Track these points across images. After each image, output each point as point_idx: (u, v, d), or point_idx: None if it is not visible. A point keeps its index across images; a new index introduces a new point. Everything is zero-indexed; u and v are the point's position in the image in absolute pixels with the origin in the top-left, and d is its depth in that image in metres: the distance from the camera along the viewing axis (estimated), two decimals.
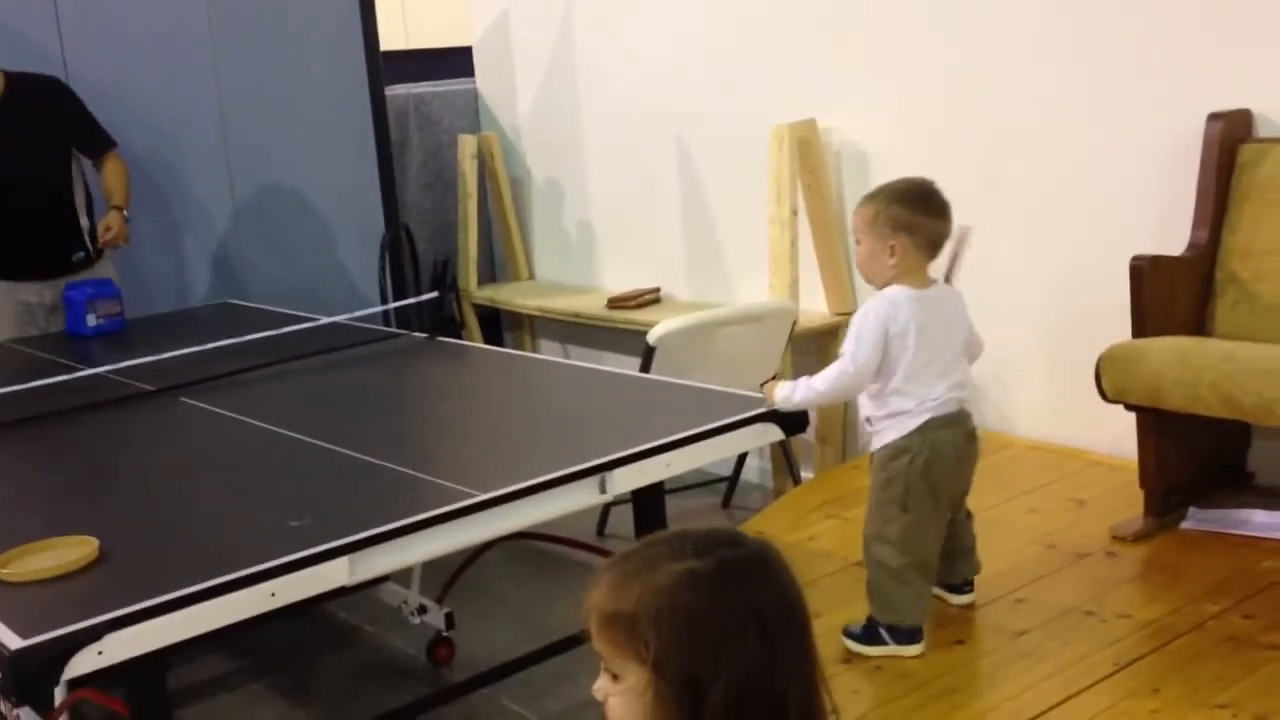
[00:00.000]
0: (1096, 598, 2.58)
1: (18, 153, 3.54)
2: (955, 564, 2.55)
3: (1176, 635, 2.39)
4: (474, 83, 5.27)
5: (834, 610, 2.52)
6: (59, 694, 2.09)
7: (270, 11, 4.34)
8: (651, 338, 3.41)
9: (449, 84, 5.32)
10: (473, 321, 5.00)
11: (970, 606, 2.56)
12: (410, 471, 2.15)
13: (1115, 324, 2.94)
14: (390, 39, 5.06)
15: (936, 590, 2.53)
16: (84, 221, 3.73)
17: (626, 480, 2.14)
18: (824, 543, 3.01)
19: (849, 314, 2.40)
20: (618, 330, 4.40)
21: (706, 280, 4.43)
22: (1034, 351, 3.51)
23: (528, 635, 3.10)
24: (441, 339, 3.23)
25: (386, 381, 2.96)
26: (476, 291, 4.99)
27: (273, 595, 1.73)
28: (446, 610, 3.06)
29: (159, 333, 3.52)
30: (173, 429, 2.61)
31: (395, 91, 5.02)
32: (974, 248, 2.53)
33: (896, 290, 2.36)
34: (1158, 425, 2.85)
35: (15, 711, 2.31)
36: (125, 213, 3.66)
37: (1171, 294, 2.94)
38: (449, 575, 3.08)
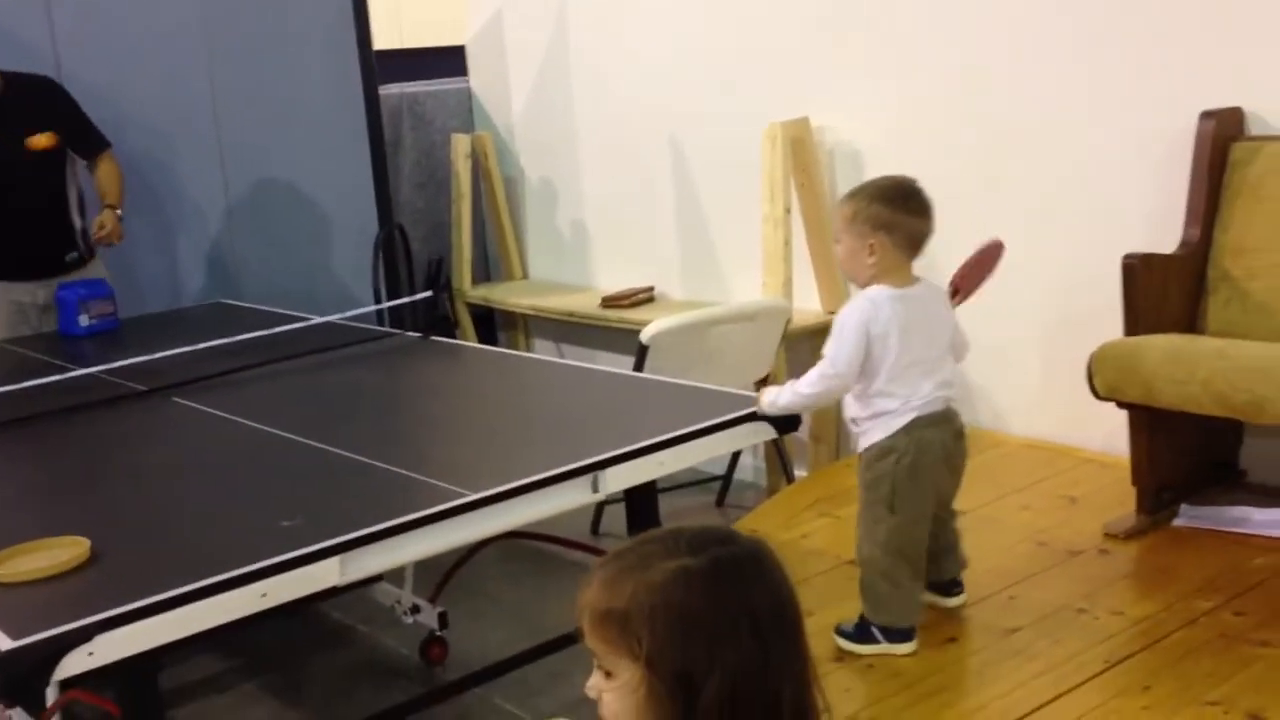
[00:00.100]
0: (1088, 595, 2.58)
1: (12, 152, 3.54)
2: (940, 562, 2.51)
3: (1168, 632, 2.40)
4: (468, 82, 5.26)
5: (826, 608, 2.52)
6: (50, 694, 2.09)
7: (264, 11, 4.34)
8: (645, 336, 3.41)
9: (443, 83, 5.32)
10: (466, 321, 5.00)
11: (962, 607, 2.55)
12: (403, 471, 2.15)
13: (1108, 322, 2.94)
14: (384, 38, 5.05)
15: (926, 594, 2.50)
16: (77, 221, 3.73)
17: (619, 479, 2.15)
18: (816, 541, 3.01)
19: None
20: (611, 329, 4.40)
21: (700, 279, 4.43)
22: (1027, 349, 3.51)
23: (521, 634, 3.10)
24: (435, 338, 3.23)
25: (380, 381, 2.96)
26: (470, 291, 4.99)
27: (264, 596, 1.73)
28: (440, 610, 3.06)
29: (152, 333, 3.52)
30: (165, 429, 2.61)
31: (389, 91, 5.01)
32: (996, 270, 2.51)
33: (878, 290, 2.34)
34: (1150, 423, 2.85)
35: (8, 712, 2.31)
36: (119, 211, 3.66)
37: (1164, 292, 2.94)
38: (442, 574, 3.08)
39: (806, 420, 3.68)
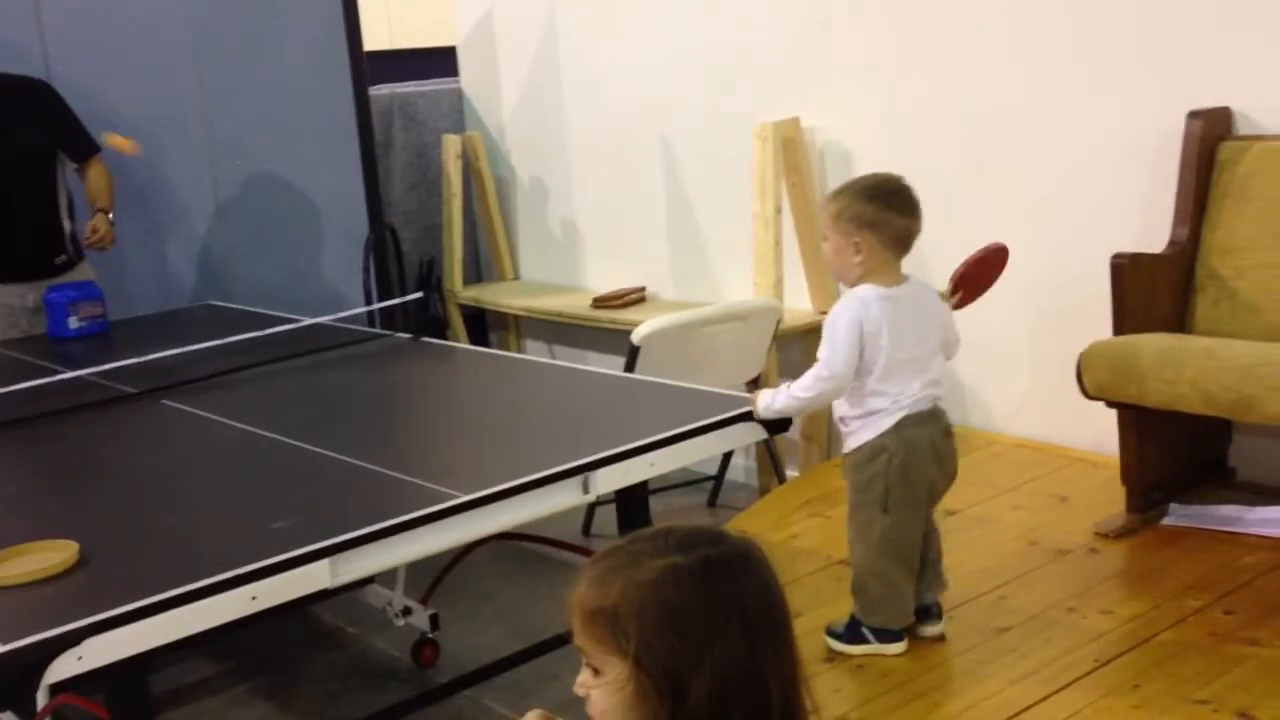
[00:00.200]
0: (1078, 595, 2.59)
1: (2, 154, 3.53)
2: (919, 580, 2.44)
3: (1157, 631, 2.41)
4: (458, 82, 5.26)
5: (817, 609, 2.53)
6: (41, 698, 2.08)
7: (254, 12, 4.32)
8: (636, 337, 3.41)
9: (433, 84, 5.31)
10: (458, 322, 4.99)
11: (941, 639, 2.44)
12: (394, 473, 2.15)
13: (1097, 321, 2.95)
14: (374, 39, 5.05)
15: None
16: (67, 224, 3.72)
17: (610, 480, 2.15)
18: (807, 541, 3.02)
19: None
20: (603, 330, 4.40)
21: (691, 279, 4.44)
22: (1017, 349, 3.52)
23: (513, 635, 3.10)
24: (426, 339, 3.22)
25: (371, 383, 2.96)
26: (461, 291, 4.99)
27: (254, 599, 1.73)
28: (431, 612, 3.06)
29: (142, 335, 3.51)
30: (155, 431, 2.60)
31: (379, 91, 5.01)
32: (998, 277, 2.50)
33: (866, 289, 2.33)
34: (1139, 422, 2.86)
35: None
36: (110, 216, 3.66)
37: (1152, 291, 2.95)
38: (433, 576, 3.08)
39: (797, 420, 3.69)
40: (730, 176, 4.09)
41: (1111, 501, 2.97)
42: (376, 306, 3.90)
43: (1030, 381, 3.52)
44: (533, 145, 4.97)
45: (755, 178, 3.86)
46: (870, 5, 3.72)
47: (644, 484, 2.29)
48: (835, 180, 3.87)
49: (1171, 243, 3.03)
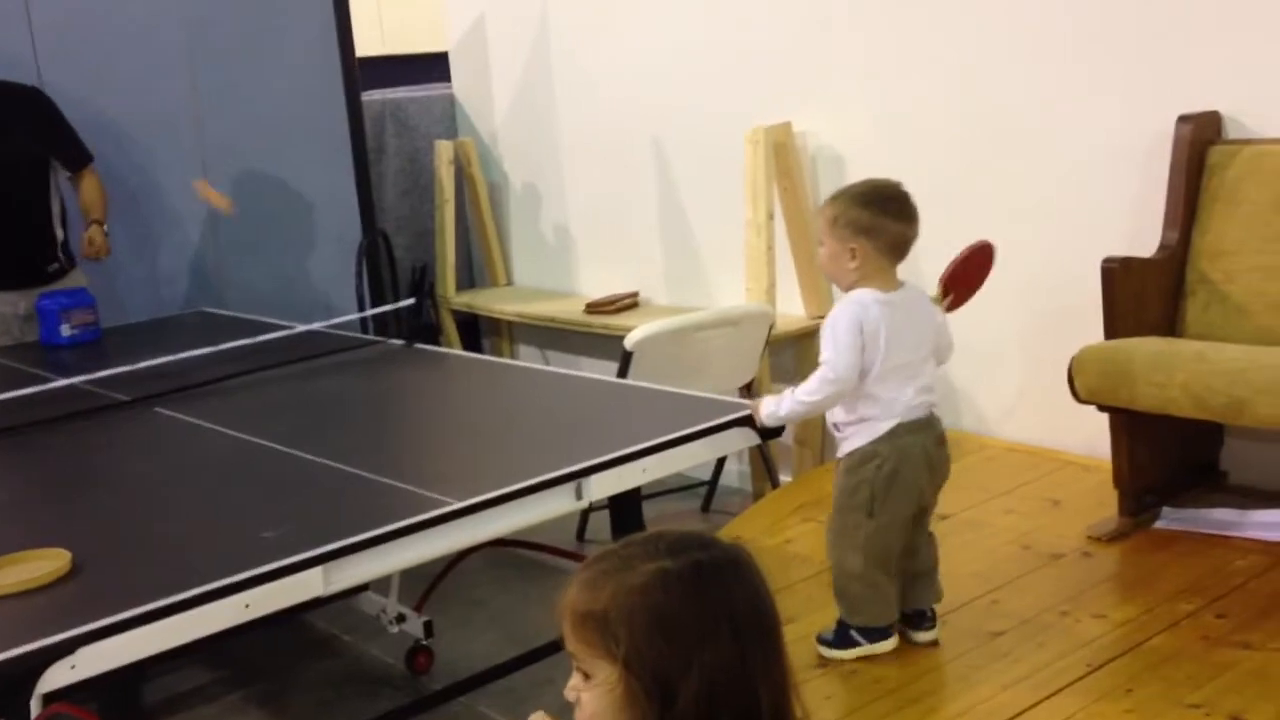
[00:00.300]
0: (1071, 599, 2.59)
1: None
2: (913, 588, 2.44)
3: (1150, 635, 2.41)
4: (451, 88, 5.26)
5: (810, 615, 2.52)
6: (34, 707, 2.08)
7: (246, 19, 4.33)
8: (629, 343, 3.41)
9: (426, 89, 5.31)
10: (451, 328, 4.99)
11: (934, 645, 2.44)
12: (386, 480, 2.15)
13: (1088, 325, 2.96)
14: (366, 45, 5.05)
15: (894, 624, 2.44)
16: (59, 233, 3.72)
17: (603, 486, 2.15)
18: (800, 546, 3.02)
19: (825, 318, 2.39)
20: (596, 335, 4.41)
21: (684, 284, 4.44)
22: (1008, 352, 3.53)
23: (507, 642, 3.10)
24: (419, 346, 3.22)
25: (364, 389, 2.96)
26: (454, 297, 4.99)
27: (247, 607, 1.73)
28: (425, 619, 3.06)
29: (134, 342, 3.51)
30: (148, 439, 2.60)
31: (371, 97, 5.01)
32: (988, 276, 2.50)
33: (863, 293, 2.32)
34: (1130, 426, 2.87)
35: None
36: (105, 228, 3.65)
37: (1143, 295, 2.96)
38: (427, 583, 3.08)
39: (790, 425, 3.69)
40: (722, 181, 4.10)
41: (1104, 505, 2.97)
42: (369, 313, 3.91)
43: (1022, 385, 3.53)
44: (525, 151, 4.97)
45: (747, 182, 3.87)
46: (863, 11, 3.73)
47: (637, 489, 2.30)
48: (827, 185, 3.88)
49: (1162, 246, 3.04)
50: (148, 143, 4.14)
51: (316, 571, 1.80)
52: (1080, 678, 2.28)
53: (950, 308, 2.48)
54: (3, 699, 1.55)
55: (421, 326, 3.27)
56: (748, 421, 2.35)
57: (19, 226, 3.63)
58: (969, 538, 2.93)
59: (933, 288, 2.47)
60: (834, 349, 2.30)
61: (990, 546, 2.89)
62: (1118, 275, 2.88)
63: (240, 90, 4.31)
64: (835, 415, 2.39)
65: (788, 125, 3.90)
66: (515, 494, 2.03)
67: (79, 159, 3.72)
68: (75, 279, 3.74)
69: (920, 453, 2.35)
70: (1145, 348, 2.80)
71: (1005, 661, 2.36)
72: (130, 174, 4.07)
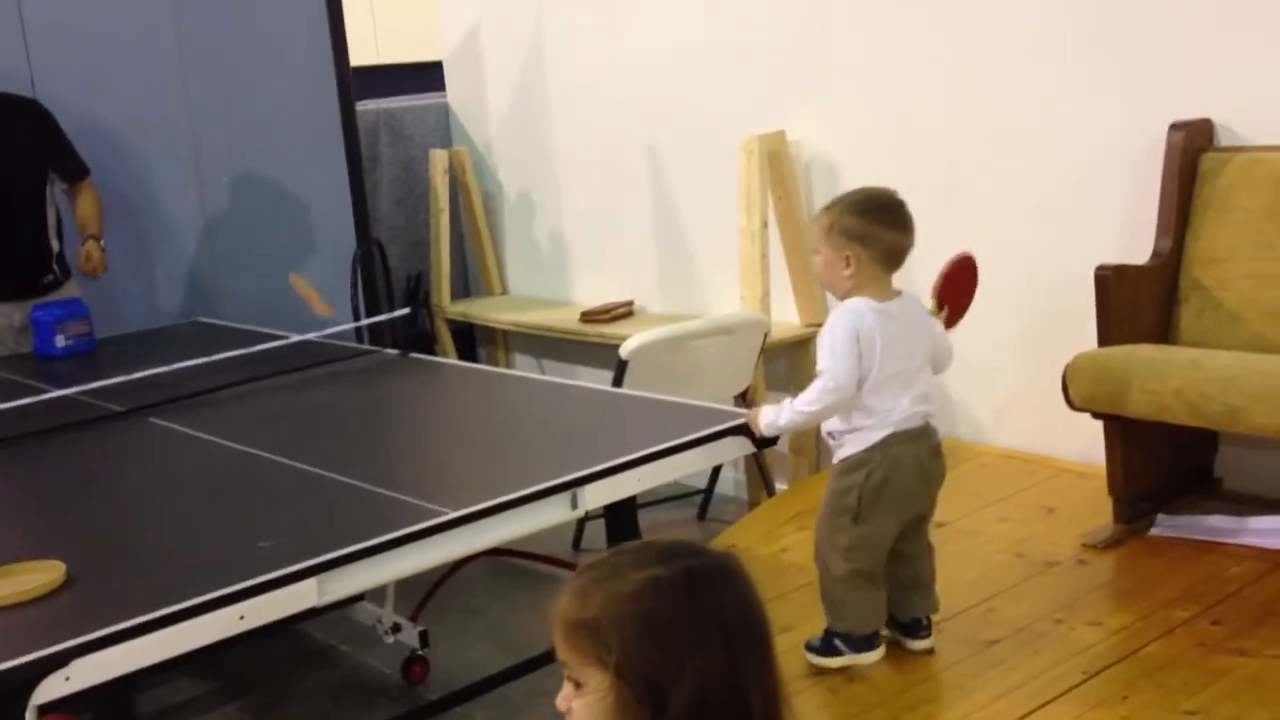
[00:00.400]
0: (1066, 606, 2.59)
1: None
2: (910, 597, 2.44)
3: (1145, 643, 2.41)
4: (445, 97, 5.27)
5: (805, 624, 2.51)
6: (29, 718, 2.07)
7: (240, 27, 4.33)
8: (624, 351, 3.41)
9: (420, 99, 5.32)
10: (446, 337, 5.00)
11: (929, 653, 2.44)
12: (381, 490, 2.15)
13: (1082, 333, 2.96)
14: (361, 54, 5.05)
15: (887, 632, 2.45)
16: (55, 244, 3.72)
17: (598, 496, 2.15)
18: (795, 555, 3.01)
19: (820, 325, 2.39)
20: (591, 344, 4.41)
21: (679, 293, 4.45)
22: (1003, 360, 3.53)
23: (503, 652, 3.09)
24: (414, 355, 3.22)
25: (359, 399, 2.96)
26: (449, 306, 4.99)
27: (241, 618, 1.73)
28: (421, 629, 3.05)
29: (129, 352, 3.50)
30: (142, 450, 2.60)
31: (366, 107, 5.02)
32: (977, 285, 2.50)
33: (858, 301, 2.32)
34: (1125, 433, 2.87)
35: None
36: (102, 243, 3.65)
37: (1136, 302, 2.97)
38: (423, 593, 3.07)
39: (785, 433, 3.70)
40: (717, 190, 4.10)
41: (1099, 512, 2.97)
42: (364, 323, 3.90)
43: (1017, 392, 3.53)
44: (520, 160, 4.98)
45: (741, 191, 3.87)
46: (857, 20, 3.74)
47: (633, 498, 2.30)
48: (821, 194, 3.89)
49: (1155, 254, 3.05)
50: (142, 153, 4.13)
51: (311, 582, 1.79)
52: (1075, 685, 2.28)
53: (948, 325, 2.48)
54: None
55: (416, 336, 3.28)
56: (743, 430, 2.35)
57: (14, 237, 3.63)
58: (963, 545, 2.93)
59: (927, 296, 2.48)
60: (832, 358, 2.29)
61: (985, 554, 2.89)
62: (1111, 283, 2.89)
63: (235, 100, 4.31)
64: (830, 424, 2.39)
65: (781, 134, 3.91)
66: (510, 504, 2.03)
67: (76, 171, 3.72)
68: (70, 290, 3.74)
69: (913, 462, 2.34)
70: (1139, 355, 2.80)
71: (1000, 669, 2.36)
72: (125, 184, 4.07)
